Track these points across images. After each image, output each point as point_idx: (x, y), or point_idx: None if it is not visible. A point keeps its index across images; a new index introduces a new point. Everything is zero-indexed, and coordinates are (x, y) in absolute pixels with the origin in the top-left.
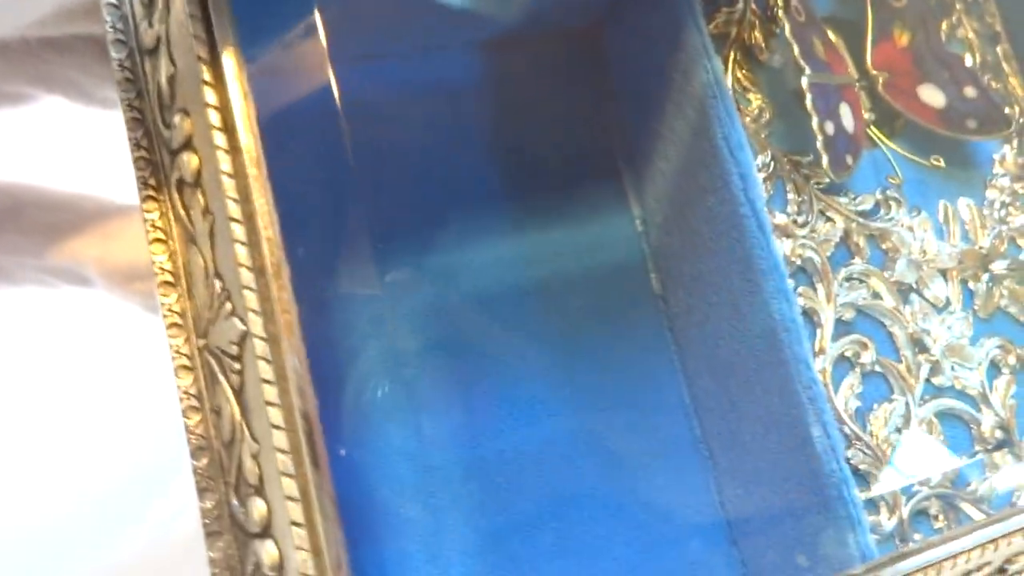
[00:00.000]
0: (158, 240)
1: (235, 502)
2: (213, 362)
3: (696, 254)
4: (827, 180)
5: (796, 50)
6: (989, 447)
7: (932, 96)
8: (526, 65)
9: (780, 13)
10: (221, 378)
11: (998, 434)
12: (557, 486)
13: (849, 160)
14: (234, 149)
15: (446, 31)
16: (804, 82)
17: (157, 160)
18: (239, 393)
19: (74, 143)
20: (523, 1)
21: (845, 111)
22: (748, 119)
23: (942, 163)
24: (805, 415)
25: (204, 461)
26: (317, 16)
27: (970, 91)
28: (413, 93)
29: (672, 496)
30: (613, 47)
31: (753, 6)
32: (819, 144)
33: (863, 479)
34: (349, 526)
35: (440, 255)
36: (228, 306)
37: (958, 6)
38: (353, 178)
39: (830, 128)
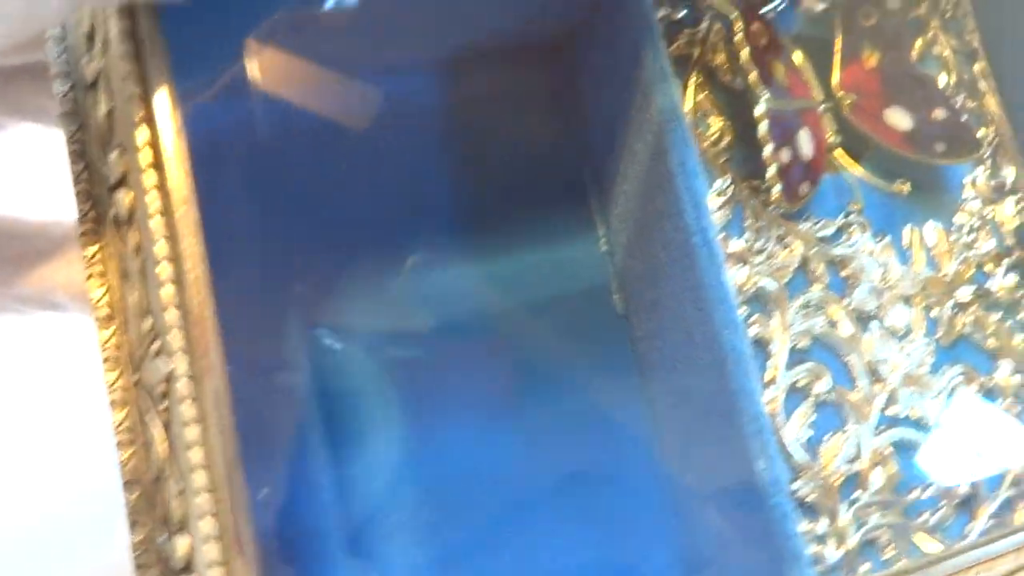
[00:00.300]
0: (96, 275)
1: (162, 538)
2: (143, 399)
3: (655, 278)
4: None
5: (754, 75)
6: None
7: (899, 119)
8: (492, 82)
9: (739, 37)
10: (151, 415)
11: None
12: (517, 508)
13: (804, 189)
14: (164, 187)
15: (402, 52)
16: (760, 109)
17: (97, 195)
18: (166, 431)
19: (44, 169)
20: (489, 18)
21: (804, 137)
22: (707, 143)
23: (907, 188)
24: (751, 447)
25: (135, 495)
26: (253, 50)
27: (939, 113)
28: (367, 118)
29: (631, 521)
30: (581, 64)
31: (718, 26)
32: (772, 173)
33: (811, 511)
34: (296, 560)
35: (396, 279)
36: (157, 345)
37: (934, 23)
38: (289, 213)
39: (785, 156)
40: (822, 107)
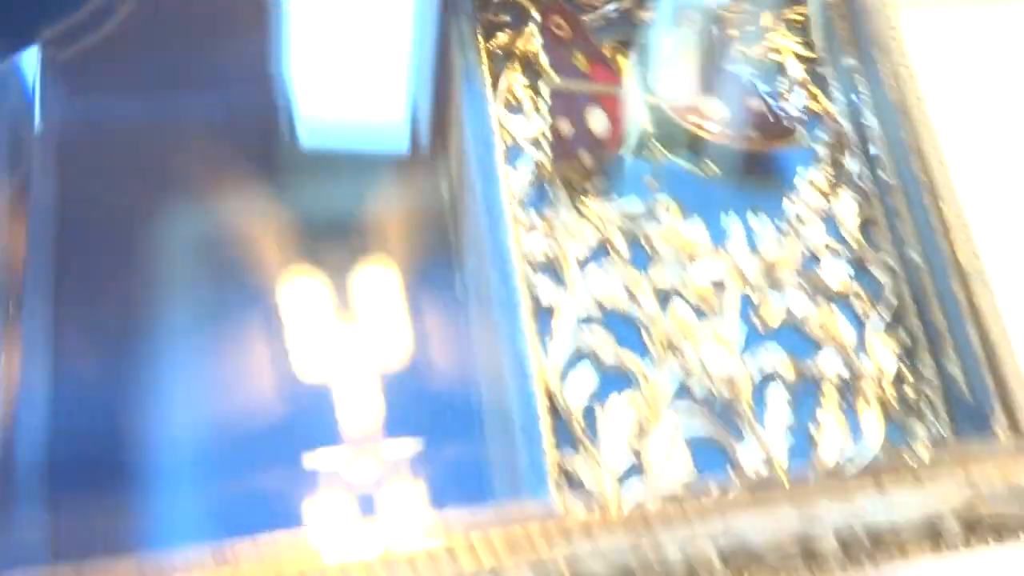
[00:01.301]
0: None
1: None
2: None
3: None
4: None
5: (546, 61)
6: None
7: (713, 109)
8: None
9: (534, 29)
10: None
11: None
12: None
13: (586, 159)
14: None
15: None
16: (546, 89)
17: None
18: None
19: None
20: None
21: (596, 115)
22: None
23: (717, 170)
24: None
25: None
26: None
27: (755, 104)
28: None
29: None
30: None
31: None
32: (546, 145)
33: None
34: None
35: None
36: None
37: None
38: None
39: (565, 127)
40: (625, 93)
